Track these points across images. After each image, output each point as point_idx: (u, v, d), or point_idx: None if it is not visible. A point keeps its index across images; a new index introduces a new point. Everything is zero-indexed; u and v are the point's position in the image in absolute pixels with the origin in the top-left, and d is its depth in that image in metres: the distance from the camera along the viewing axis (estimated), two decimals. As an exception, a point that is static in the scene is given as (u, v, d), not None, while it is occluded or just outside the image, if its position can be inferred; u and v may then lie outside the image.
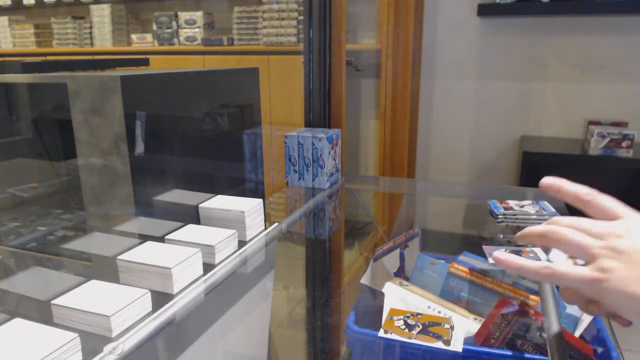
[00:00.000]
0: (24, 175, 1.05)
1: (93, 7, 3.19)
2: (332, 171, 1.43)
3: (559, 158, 1.97)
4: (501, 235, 1.09)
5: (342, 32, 1.50)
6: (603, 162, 1.91)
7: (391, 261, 0.78)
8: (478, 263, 0.79)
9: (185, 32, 2.97)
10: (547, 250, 0.49)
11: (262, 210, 1.02)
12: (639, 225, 0.41)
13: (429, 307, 0.70)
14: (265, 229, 1.03)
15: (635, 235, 0.40)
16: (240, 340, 0.78)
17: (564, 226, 0.43)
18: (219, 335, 0.75)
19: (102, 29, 3.21)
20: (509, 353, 0.58)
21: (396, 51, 2.24)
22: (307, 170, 1.40)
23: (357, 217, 1.42)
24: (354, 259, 1.14)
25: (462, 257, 0.81)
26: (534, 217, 1.11)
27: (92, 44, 3.27)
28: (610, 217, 0.43)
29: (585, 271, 0.40)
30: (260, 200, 1.00)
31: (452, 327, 0.63)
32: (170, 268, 0.74)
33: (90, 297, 0.67)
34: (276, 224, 1.10)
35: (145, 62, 1.40)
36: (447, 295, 0.75)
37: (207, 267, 0.84)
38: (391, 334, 0.63)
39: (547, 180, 0.48)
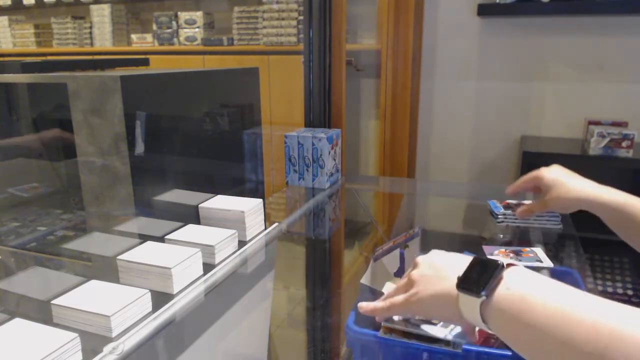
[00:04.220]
0: (24, 175, 1.05)
1: (93, 7, 3.19)
2: (332, 171, 1.43)
3: (559, 158, 1.97)
4: (501, 235, 1.09)
5: (342, 32, 1.50)
6: (603, 162, 1.90)
7: (391, 261, 0.78)
8: (478, 263, 0.79)
9: (185, 32, 2.97)
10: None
11: (262, 210, 1.02)
12: (419, 266, 0.60)
13: (429, 307, 0.70)
14: (265, 229, 1.03)
15: (417, 270, 0.59)
16: (240, 340, 0.78)
17: (392, 298, 0.60)
18: (219, 335, 0.75)
19: (102, 29, 3.21)
20: (509, 353, 0.58)
21: (396, 51, 2.24)
22: (307, 170, 1.40)
23: (357, 217, 1.42)
24: (354, 259, 1.14)
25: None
26: (534, 217, 1.11)
27: (92, 44, 3.27)
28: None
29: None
30: (260, 200, 1.00)
31: (452, 327, 0.63)
32: (170, 268, 0.74)
33: (90, 297, 0.67)
34: (276, 224, 1.10)
35: (145, 62, 1.40)
36: (447, 295, 0.75)
37: (207, 267, 0.84)
38: (391, 334, 0.63)
39: (361, 309, 0.63)
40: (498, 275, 0.50)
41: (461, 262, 0.55)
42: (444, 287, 0.54)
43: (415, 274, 0.59)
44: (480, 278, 0.51)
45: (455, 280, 0.53)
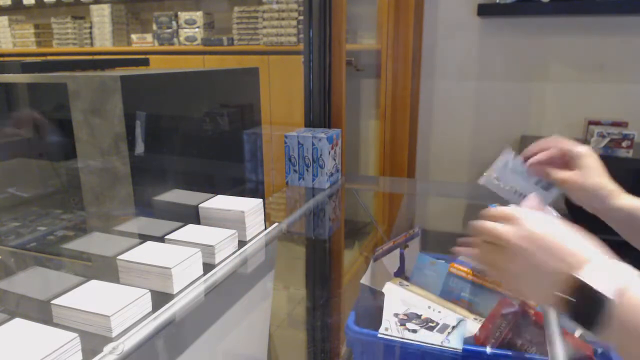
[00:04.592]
0: (24, 175, 1.05)
1: (93, 7, 3.19)
2: (332, 171, 1.43)
3: (559, 158, 1.97)
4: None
5: (342, 32, 1.50)
6: (603, 162, 1.90)
7: (391, 261, 0.78)
8: (478, 263, 0.79)
9: (185, 32, 2.97)
10: None
11: (262, 210, 1.02)
12: (527, 238, 0.52)
13: (429, 307, 0.70)
14: (265, 229, 1.03)
15: (523, 239, 0.51)
16: (240, 340, 0.78)
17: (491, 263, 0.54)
18: (219, 335, 0.75)
19: (102, 29, 3.21)
20: (509, 353, 0.58)
21: (396, 51, 2.24)
22: (307, 170, 1.40)
23: (357, 217, 1.42)
24: (354, 259, 1.14)
25: (462, 257, 0.81)
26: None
27: (92, 44, 3.27)
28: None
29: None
30: (260, 200, 1.00)
31: (452, 327, 0.63)
32: (170, 268, 0.74)
33: (90, 297, 0.67)
34: (276, 224, 1.10)
35: (145, 62, 1.40)
36: (447, 295, 0.75)
37: (207, 267, 0.84)
38: (391, 333, 0.63)
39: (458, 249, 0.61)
40: (609, 311, 0.44)
41: (573, 247, 0.49)
42: (551, 282, 0.48)
43: (520, 244, 0.51)
44: (588, 315, 0.45)
45: (564, 273, 0.47)
